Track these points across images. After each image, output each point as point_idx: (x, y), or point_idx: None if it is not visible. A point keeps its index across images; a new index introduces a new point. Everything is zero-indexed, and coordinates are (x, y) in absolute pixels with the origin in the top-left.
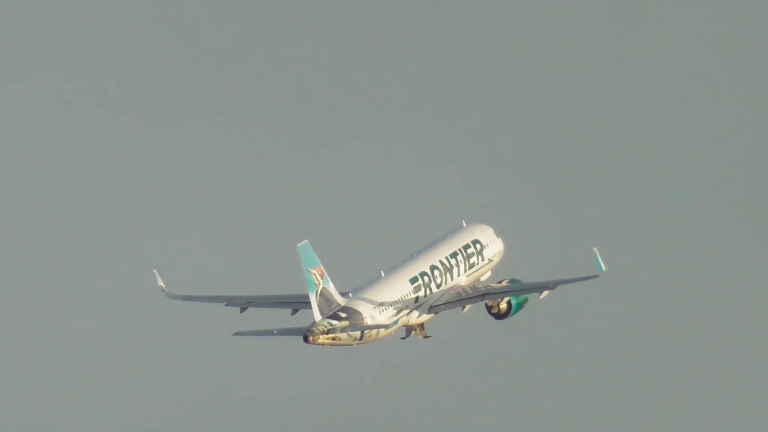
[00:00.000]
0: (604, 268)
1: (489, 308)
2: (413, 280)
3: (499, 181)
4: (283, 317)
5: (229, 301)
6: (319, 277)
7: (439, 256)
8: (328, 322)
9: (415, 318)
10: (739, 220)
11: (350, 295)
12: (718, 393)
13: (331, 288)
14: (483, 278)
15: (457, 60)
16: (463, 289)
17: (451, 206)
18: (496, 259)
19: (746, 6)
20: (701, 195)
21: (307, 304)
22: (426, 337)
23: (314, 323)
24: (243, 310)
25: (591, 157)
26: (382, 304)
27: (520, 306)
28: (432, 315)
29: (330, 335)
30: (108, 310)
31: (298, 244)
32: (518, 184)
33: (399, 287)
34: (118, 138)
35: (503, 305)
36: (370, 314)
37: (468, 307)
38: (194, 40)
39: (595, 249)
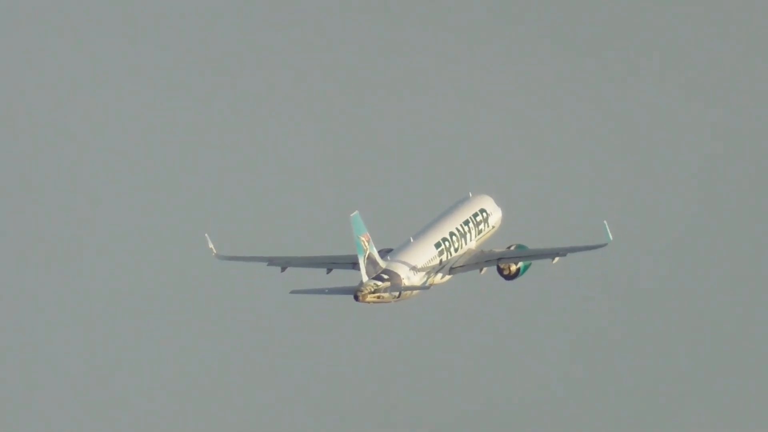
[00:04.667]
0: (611, 237)
1: (500, 270)
2: (437, 245)
3: (493, 155)
4: (319, 276)
5: (271, 261)
6: (366, 243)
7: (454, 223)
8: (374, 283)
9: (439, 279)
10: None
11: (388, 258)
12: (723, 359)
13: (375, 252)
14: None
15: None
16: (479, 253)
17: (450, 177)
18: (497, 226)
19: None
20: (710, 166)
21: (338, 264)
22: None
23: (362, 283)
24: (283, 269)
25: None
26: (414, 266)
27: (526, 269)
28: (452, 276)
29: (375, 294)
30: (163, 270)
31: (351, 214)
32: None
33: (426, 251)
34: (160, 103)
35: (513, 267)
36: (406, 275)
37: (485, 269)
38: None
39: (605, 221)
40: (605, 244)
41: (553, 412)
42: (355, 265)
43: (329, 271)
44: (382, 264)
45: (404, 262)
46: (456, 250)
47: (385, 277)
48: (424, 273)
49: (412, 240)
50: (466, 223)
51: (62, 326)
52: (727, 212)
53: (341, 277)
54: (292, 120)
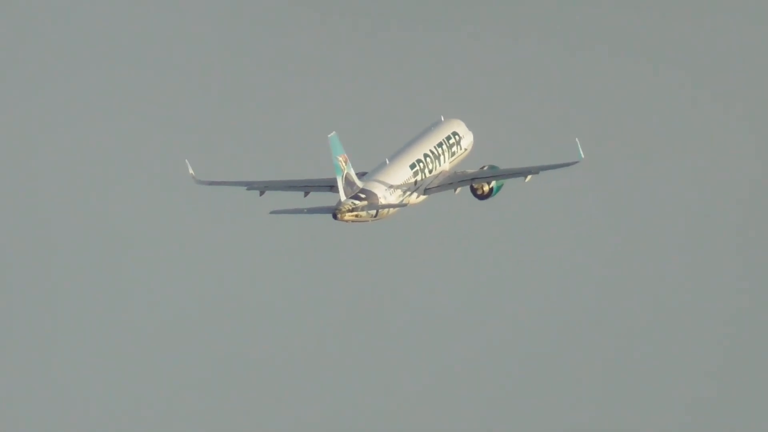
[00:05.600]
0: (583, 155)
1: (474, 190)
2: (412, 166)
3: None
4: (297, 199)
5: (250, 185)
6: (344, 164)
7: (428, 145)
8: (352, 202)
9: (414, 198)
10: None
11: (364, 178)
12: (692, 277)
13: (353, 173)
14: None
15: None
16: (453, 174)
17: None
18: (469, 149)
19: None
20: (682, 84)
21: (315, 187)
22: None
23: (340, 203)
24: (262, 193)
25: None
26: (391, 186)
27: (499, 189)
28: (427, 196)
29: (353, 213)
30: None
31: (329, 135)
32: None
33: (402, 172)
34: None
35: (486, 187)
36: (383, 195)
37: (459, 189)
38: None
39: (576, 139)
40: (577, 162)
41: (530, 329)
42: (332, 188)
43: (307, 194)
44: (360, 184)
45: (381, 182)
46: (430, 171)
47: (363, 196)
48: (400, 192)
49: (387, 161)
50: (440, 145)
51: (44, 250)
52: (699, 127)
53: (319, 200)
54: (270, 47)
